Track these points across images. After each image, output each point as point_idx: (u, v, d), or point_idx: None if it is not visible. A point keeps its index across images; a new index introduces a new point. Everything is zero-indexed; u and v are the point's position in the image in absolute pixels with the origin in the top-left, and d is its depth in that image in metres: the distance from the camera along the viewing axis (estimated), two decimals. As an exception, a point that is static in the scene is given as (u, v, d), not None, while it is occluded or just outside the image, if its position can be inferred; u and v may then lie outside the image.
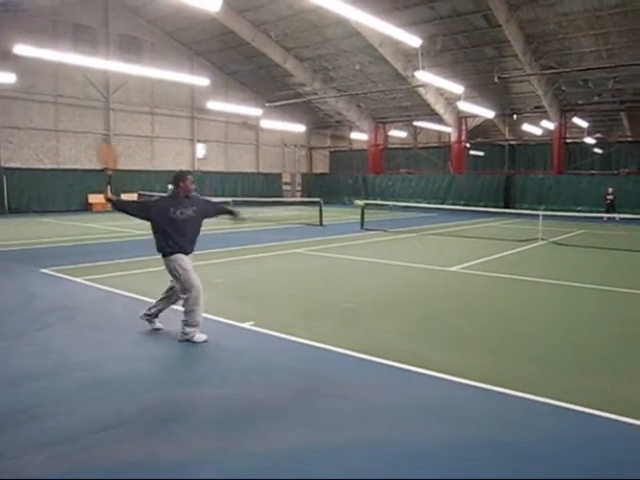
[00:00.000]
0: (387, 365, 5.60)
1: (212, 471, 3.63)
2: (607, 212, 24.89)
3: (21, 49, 19.76)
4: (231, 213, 7.16)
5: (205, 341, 6.25)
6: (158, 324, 6.76)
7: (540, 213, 18.15)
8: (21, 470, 3.58)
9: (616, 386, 5.16)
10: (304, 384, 5.16)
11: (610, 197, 26.03)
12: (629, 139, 34.57)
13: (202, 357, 5.95)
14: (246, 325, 6.96)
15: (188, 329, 6.26)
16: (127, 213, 6.50)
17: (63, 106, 28.34)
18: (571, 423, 4.41)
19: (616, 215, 23.30)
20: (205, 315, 7.03)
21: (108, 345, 6.23)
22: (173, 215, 6.24)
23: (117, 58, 27.01)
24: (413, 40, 19.40)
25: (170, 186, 6.80)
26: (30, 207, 26.41)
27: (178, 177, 6.49)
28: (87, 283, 9.60)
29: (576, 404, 4.62)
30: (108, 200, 6.55)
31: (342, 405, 4.70)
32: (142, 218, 6.44)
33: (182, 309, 6.35)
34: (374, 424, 4.35)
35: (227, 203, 30.60)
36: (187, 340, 6.23)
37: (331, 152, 44.99)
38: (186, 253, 6.35)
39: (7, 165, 26.25)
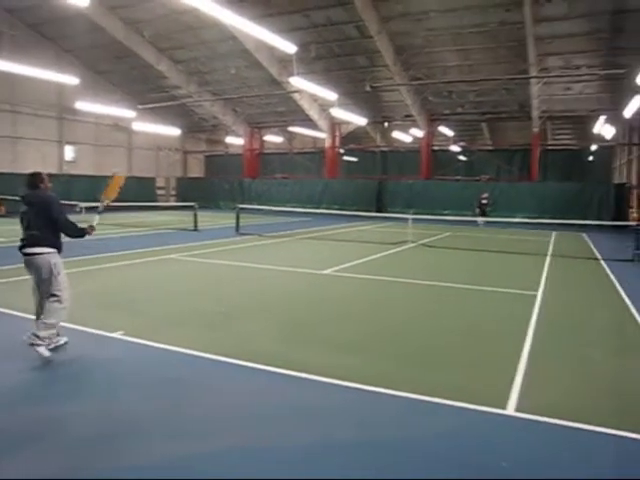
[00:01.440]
0: (257, 369, 5.68)
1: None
2: (481, 216, 26.14)
3: None
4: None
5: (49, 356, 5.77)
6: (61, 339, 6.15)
7: (409, 217, 18.99)
8: None
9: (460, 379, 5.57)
10: (174, 393, 5.14)
11: (484, 202, 27.53)
12: (489, 147, 37.06)
13: (66, 371, 5.71)
14: (115, 335, 6.77)
15: (46, 332, 5.77)
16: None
17: None
18: (430, 415, 4.72)
19: (481, 219, 24.80)
20: (71, 325, 6.79)
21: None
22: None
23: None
24: (288, 46, 19.62)
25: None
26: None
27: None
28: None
29: (430, 396, 4.97)
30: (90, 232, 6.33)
31: (213, 412, 4.73)
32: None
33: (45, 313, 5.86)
34: (246, 429, 4.42)
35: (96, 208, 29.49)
36: (44, 348, 5.74)
37: (206, 156, 44.54)
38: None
39: None
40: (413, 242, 17.42)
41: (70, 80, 25.41)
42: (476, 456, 4.03)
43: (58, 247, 6.06)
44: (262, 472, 3.74)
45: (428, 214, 25.59)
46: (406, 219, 19.35)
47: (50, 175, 6.98)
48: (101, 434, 4.32)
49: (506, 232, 22.70)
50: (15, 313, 7.54)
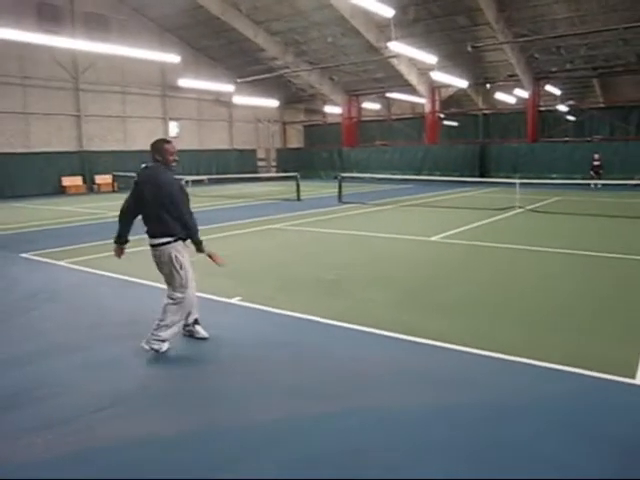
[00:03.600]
0: (374, 334, 5.68)
1: (208, 446, 3.68)
2: (593, 178, 25.00)
3: None
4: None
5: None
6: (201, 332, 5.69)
7: (516, 181, 18.30)
8: (26, 451, 3.60)
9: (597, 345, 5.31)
10: (294, 355, 5.22)
11: (597, 163, 26.20)
12: (601, 105, 34.85)
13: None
14: (234, 300, 6.98)
15: (163, 334, 5.21)
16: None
17: (31, 88, 27.63)
18: (554, 381, 4.54)
19: (594, 182, 23.60)
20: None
21: (97, 326, 6.20)
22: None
23: (84, 37, 26.30)
24: (385, 10, 19.23)
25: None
26: (2, 192, 25.72)
27: (154, 147, 5.39)
28: (69, 266, 9.51)
29: (552, 362, 4.80)
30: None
31: (332, 373, 4.77)
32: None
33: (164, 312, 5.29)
34: (366, 392, 4.43)
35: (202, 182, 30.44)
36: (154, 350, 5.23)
37: (305, 126, 44.71)
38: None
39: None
40: (521, 207, 16.78)
41: (172, 58, 26.11)
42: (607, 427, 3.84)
43: (175, 234, 5.39)
44: (385, 435, 3.74)
45: (535, 178, 24.59)
46: (512, 184, 18.68)
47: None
48: (234, 388, 4.52)
49: (623, 195, 21.45)
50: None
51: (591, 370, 4.64)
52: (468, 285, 7.83)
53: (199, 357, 5.31)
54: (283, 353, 5.30)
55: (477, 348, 5.18)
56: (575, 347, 5.25)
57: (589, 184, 24.24)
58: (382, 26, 27.40)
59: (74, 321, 6.44)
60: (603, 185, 23.92)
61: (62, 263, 9.71)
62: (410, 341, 5.46)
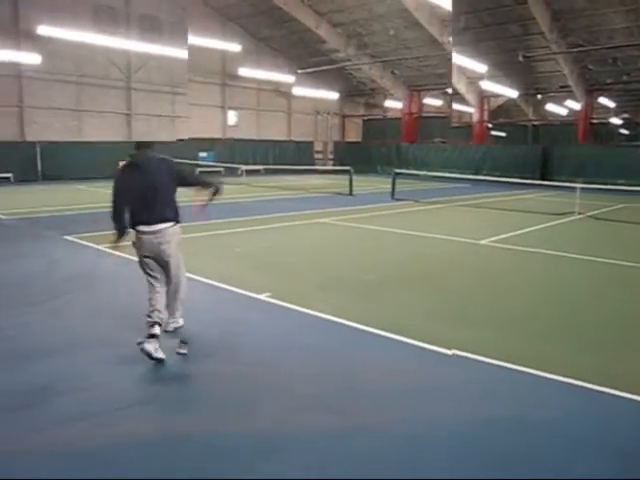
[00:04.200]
0: (405, 343, 5.36)
1: (230, 450, 3.46)
2: None
3: (45, 30, 19.46)
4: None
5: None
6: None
7: (578, 185, 17.46)
8: (52, 443, 3.56)
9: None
10: (317, 362, 4.96)
11: None
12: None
13: (214, 331, 5.74)
14: (262, 297, 6.75)
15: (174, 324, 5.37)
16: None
17: (85, 86, 28.07)
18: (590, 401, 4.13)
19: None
20: (221, 285, 6.89)
21: (126, 317, 6.00)
22: None
23: (138, 38, 26.61)
24: (447, 3, 18.72)
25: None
26: (65, 174, 26.16)
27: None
28: (108, 250, 9.48)
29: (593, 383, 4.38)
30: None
31: (352, 384, 4.50)
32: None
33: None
34: (390, 407, 4.13)
35: (258, 172, 30.46)
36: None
37: (364, 120, 44.26)
38: None
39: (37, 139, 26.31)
40: (580, 213, 16.00)
41: (233, 47, 26.20)
42: None
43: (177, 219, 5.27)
44: (416, 452, 3.43)
45: (600, 183, 23.49)
46: (573, 188, 17.85)
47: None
48: (250, 393, 4.34)
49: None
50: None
51: None
52: (515, 296, 7.39)
53: (215, 356, 5.11)
54: (302, 358, 5.06)
55: (508, 362, 4.80)
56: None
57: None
58: (446, 20, 26.79)
59: (107, 308, 6.34)
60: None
61: (101, 247, 9.67)
62: (441, 353, 5.10)
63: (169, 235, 5.03)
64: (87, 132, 28.35)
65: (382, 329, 5.68)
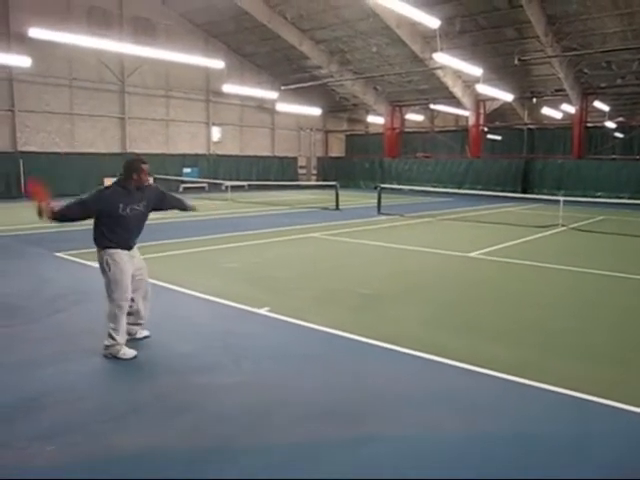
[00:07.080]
0: (403, 353, 5.45)
1: (220, 467, 3.49)
2: None
3: (36, 32, 19.44)
4: (184, 209, 6.31)
5: (135, 357, 5.26)
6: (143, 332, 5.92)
7: (560, 198, 17.73)
8: (31, 461, 3.49)
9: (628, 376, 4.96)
10: (319, 372, 5.02)
11: None
12: (652, 123, 33.87)
13: (216, 344, 5.78)
14: (262, 311, 6.80)
15: (109, 341, 5.30)
16: (72, 220, 5.71)
17: (78, 89, 28.07)
18: (588, 414, 4.23)
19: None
20: (219, 300, 6.92)
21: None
22: (122, 212, 5.37)
23: (131, 41, 26.60)
24: (431, 21, 18.95)
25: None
26: (47, 190, 25.97)
27: (132, 166, 5.43)
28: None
29: (589, 394, 4.49)
30: (53, 217, 5.48)
31: (354, 394, 4.56)
32: (86, 218, 5.58)
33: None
34: (391, 416, 4.19)
35: (242, 188, 30.52)
36: (111, 356, 5.25)
37: (347, 136, 44.55)
38: (128, 248, 5.60)
39: (23, 149, 26.14)
40: (564, 225, 16.25)
41: (217, 64, 26.26)
42: None
43: (99, 244, 5.61)
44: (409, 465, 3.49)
45: (580, 196, 23.86)
46: (555, 201, 18.12)
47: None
48: (255, 405, 4.33)
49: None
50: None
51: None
52: (503, 305, 7.52)
53: (219, 368, 5.13)
54: (304, 369, 5.12)
55: (503, 372, 4.89)
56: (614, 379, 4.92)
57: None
58: (428, 37, 27.12)
59: (97, 325, 6.33)
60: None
61: (93, 264, 9.63)
62: (442, 363, 5.19)
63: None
64: (80, 136, 28.38)
65: (379, 340, 5.77)
